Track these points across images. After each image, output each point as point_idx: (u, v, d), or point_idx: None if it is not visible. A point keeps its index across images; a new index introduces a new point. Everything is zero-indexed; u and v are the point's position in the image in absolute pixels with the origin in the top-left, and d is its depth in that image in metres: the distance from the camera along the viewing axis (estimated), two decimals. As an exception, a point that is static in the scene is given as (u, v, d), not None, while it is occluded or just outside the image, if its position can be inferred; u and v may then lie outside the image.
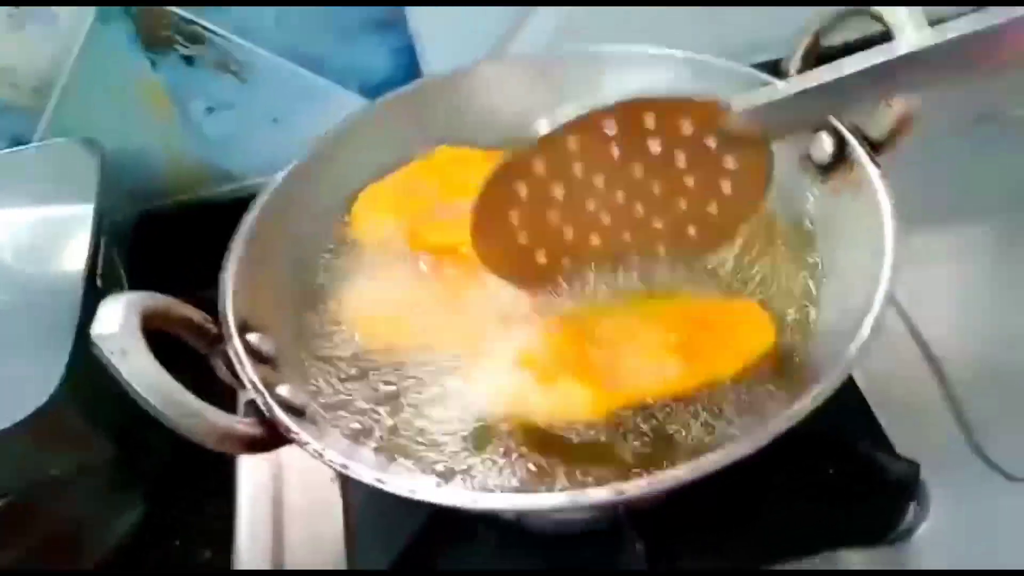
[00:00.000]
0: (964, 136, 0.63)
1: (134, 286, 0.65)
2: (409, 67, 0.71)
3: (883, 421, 0.51)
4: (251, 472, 0.59)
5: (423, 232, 0.53)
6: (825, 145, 0.49)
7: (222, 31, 0.67)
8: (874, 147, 0.47)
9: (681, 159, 0.44)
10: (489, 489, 0.39)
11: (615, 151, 0.44)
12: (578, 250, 0.47)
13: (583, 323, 0.46)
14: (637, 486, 0.36)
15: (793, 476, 0.49)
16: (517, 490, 0.39)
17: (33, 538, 0.56)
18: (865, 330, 0.40)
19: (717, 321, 0.47)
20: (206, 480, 0.60)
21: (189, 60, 0.69)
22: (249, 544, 0.57)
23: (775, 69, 0.52)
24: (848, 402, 0.51)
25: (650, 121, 0.43)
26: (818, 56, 0.50)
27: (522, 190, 0.45)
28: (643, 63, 0.56)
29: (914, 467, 0.48)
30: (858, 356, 0.39)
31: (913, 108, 0.45)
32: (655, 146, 0.44)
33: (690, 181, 0.45)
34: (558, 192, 0.45)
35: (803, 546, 0.48)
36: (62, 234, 0.65)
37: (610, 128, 0.43)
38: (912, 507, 0.48)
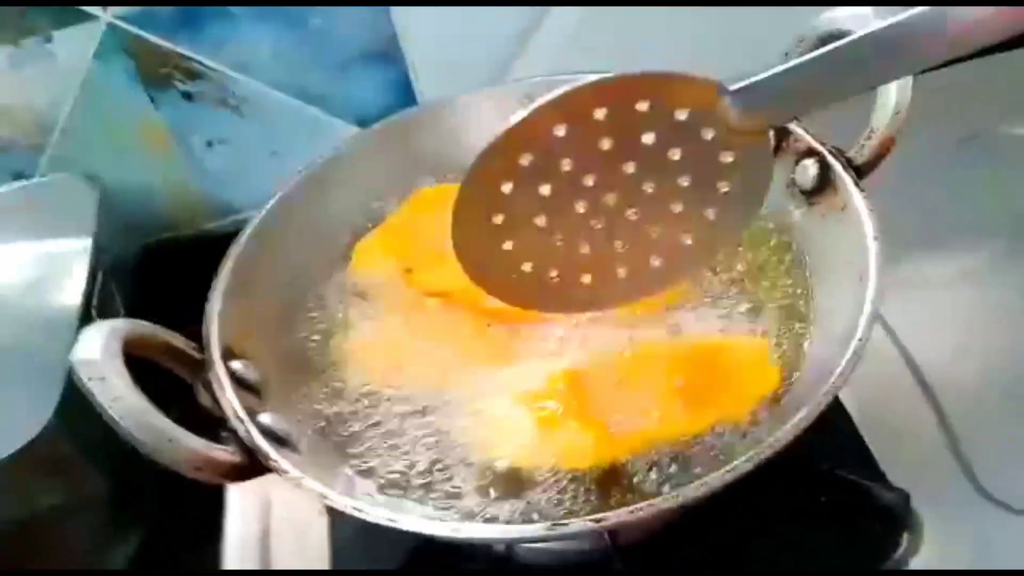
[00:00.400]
0: (951, 158, 0.62)
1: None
2: (406, 99, 0.72)
3: (875, 449, 0.50)
4: (240, 510, 0.58)
5: (420, 275, 0.53)
6: (809, 170, 0.49)
7: (220, 67, 0.69)
8: (857, 171, 0.47)
9: (676, 154, 0.40)
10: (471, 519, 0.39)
11: (605, 143, 0.39)
12: (567, 261, 0.43)
13: (585, 363, 0.46)
14: (617, 515, 0.36)
15: (783, 504, 0.48)
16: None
17: (27, 571, 0.56)
18: (846, 357, 0.39)
19: (722, 362, 0.46)
20: (201, 516, 0.60)
21: (188, 96, 0.70)
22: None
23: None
24: (839, 430, 0.50)
25: (643, 106, 0.39)
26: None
27: (506, 187, 0.40)
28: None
29: (905, 496, 0.47)
30: (837, 384, 0.38)
31: (894, 132, 0.45)
32: (648, 138, 0.40)
33: (685, 181, 0.41)
34: (544, 190, 0.41)
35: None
36: (61, 268, 0.66)
37: (599, 112, 0.39)
38: (905, 537, 0.47)
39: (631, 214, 0.42)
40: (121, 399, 0.37)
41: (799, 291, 0.49)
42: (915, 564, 0.47)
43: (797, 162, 0.50)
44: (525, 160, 0.40)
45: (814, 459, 0.48)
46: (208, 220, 0.76)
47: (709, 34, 0.68)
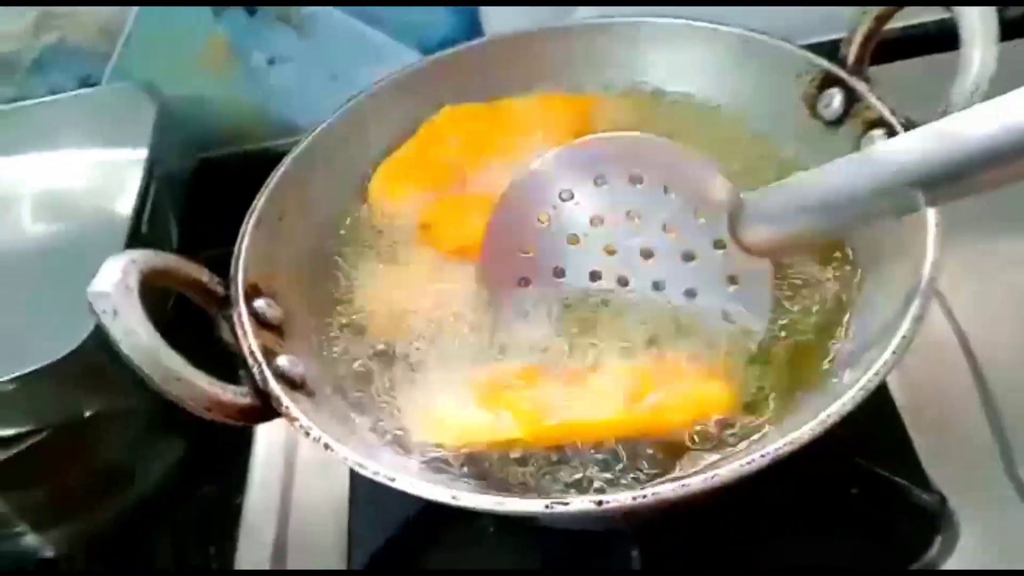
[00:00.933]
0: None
1: (185, 233, 0.67)
2: (470, 26, 0.69)
3: (917, 442, 0.47)
4: (267, 430, 0.59)
5: (438, 231, 0.52)
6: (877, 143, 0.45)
7: (285, -18, 0.67)
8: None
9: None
10: (472, 487, 0.38)
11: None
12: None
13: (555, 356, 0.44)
14: (618, 499, 0.34)
15: (813, 492, 0.46)
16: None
17: (71, 474, 0.59)
18: (891, 348, 0.37)
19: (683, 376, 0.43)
20: (237, 431, 0.61)
21: (252, 12, 0.69)
22: (260, 492, 0.58)
23: (833, 51, 0.48)
24: (881, 419, 0.48)
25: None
26: (877, 45, 0.46)
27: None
28: (690, 36, 0.53)
29: (941, 499, 0.44)
30: (878, 376, 0.36)
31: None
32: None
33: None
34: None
35: (818, 570, 0.46)
36: (117, 177, 0.67)
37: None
38: (938, 540, 0.44)
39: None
40: (132, 334, 0.37)
41: (847, 272, 0.45)
42: (948, 566, 0.45)
43: (864, 132, 0.46)
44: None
45: (851, 446, 0.45)
46: (264, 138, 0.75)
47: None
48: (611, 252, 0.46)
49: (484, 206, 0.48)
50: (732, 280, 0.44)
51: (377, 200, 0.53)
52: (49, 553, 0.59)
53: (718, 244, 0.43)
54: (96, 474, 0.60)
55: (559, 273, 0.47)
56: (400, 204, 0.52)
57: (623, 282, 0.46)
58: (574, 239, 0.46)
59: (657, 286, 0.45)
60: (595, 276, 0.46)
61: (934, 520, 0.45)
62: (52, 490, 0.58)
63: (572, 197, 0.46)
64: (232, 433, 0.60)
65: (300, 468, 0.56)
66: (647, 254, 0.45)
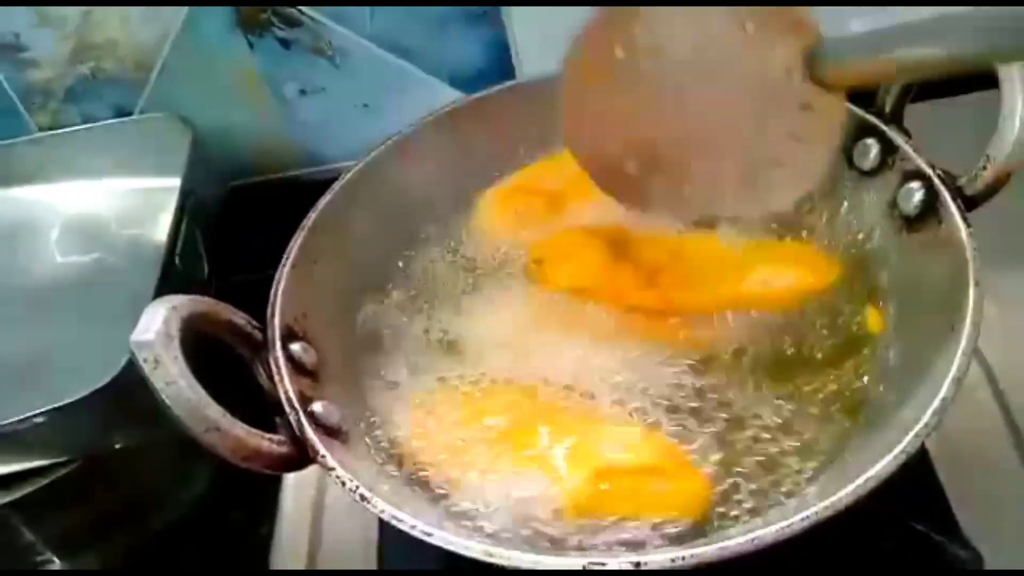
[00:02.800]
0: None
1: (218, 263, 0.67)
2: (502, 61, 0.70)
3: (952, 497, 0.47)
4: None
5: (551, 269, 0.52)
6: (914, 195, 0.45)
7: (318, 16, 0.68)
8: (966, 202, 0.43)
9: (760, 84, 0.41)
10: (504, 544, 0.38)
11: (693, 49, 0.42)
12: (671, 153, 0.45)
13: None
14: (657, 561, 0.34)
15: (847, 547, 0.45)
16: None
17: (106, 500, 0.59)
18: (930, 410, 0.37)
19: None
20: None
21: (285, 43, 0.69)
22: (291, 527, 0.58)
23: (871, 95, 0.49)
24: (916, 473, 0.47)
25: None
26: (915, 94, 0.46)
27: (618, 52, 0.43)
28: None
29: (977, 556, 0.44)
30: (918, 439, 0.36)
31: (1013, 165, 0.41)
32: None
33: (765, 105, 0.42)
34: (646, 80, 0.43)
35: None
36: (150, 205, 0.68)
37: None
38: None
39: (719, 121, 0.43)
40: (173, 384, 0.37)
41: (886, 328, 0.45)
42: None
43: (902, 184, 0.46)
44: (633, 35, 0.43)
45: (885, 504, 0.45)
46: (295, 168, 0.76)
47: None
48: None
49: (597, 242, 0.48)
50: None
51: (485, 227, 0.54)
52: (73, 577, 0.60)
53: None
54: (124, 503, 0.60)
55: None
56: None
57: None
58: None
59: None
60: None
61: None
62: (80, 519, 0.58)
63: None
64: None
65: (330, 502, 0.57)
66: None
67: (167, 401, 0.37)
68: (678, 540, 0.39)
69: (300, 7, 0.67)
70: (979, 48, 0.34)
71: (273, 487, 0.61)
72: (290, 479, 0.60)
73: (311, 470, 0.57)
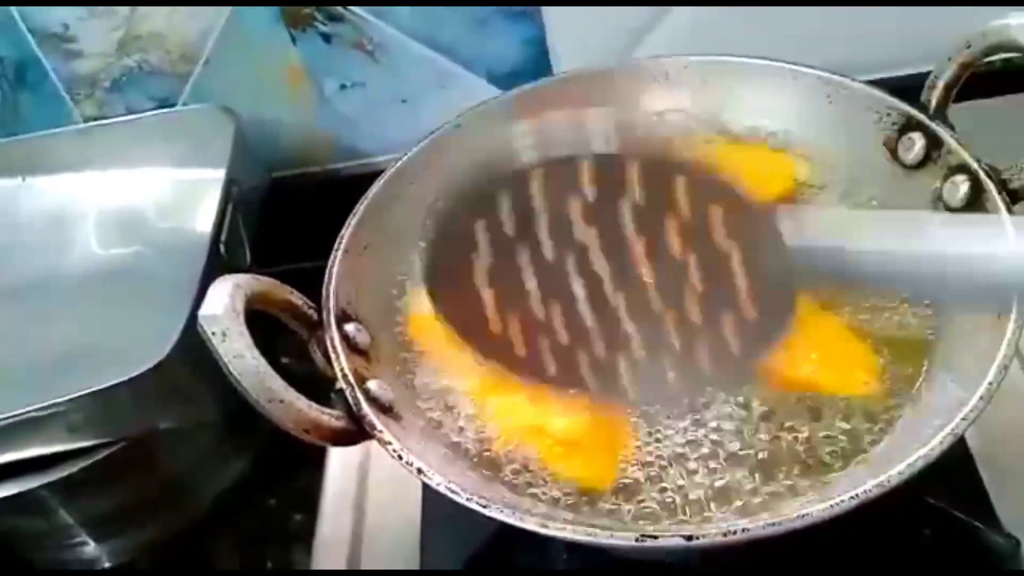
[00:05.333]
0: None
1: (257, 253, 0.68)
2: (539, 58, 0.71)
3: (989, 484, 0.47)
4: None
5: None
6: (959, 188, 0.46)
7: (359, 11, 0.69)
8: (1012, 195, 0.44)
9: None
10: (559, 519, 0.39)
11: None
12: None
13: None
14: (709, 534, 0.35)
15: (885, 532, 0.46)
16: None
17: (143, 483, 0.60)
18: (978, 394, 0.37)
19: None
20: (304, 448, 0.63)
21: (327, 38, 0.71)
22: (333, 511, 0.59)
23: (915, 89, 0.49)
24: (954, 459, 0.48)
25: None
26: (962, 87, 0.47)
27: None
28: (769, 77, 0.54)
29: (1015, 543, 0.45)
30: (966, 422, 0.37)
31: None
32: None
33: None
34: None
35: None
36: (195, 196, 0.69)
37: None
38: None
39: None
40: (240, 357, 0.38)
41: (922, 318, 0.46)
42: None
43: (947, 177, 0.47)
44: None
45: (924, 491, 0.46)
46: (335, 161, 0.77)
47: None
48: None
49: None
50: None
51: None
52: (108, 564, 0.61)
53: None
54: (162, 486, 0.61)
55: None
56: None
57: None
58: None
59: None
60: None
61: (1006, 562, 0.45)
62: (118, 502, 0.59)
63: None
64: (299, 449, 0.62)
65: (371, 488, 0.58)
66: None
67: (234, 373, 0.38)
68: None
69: (345, 5, 0.68)
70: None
71: (313, 471, 0.62)
72: (334, 466, 0.61)
73: (354, 457, 0.60)
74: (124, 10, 0.69)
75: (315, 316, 0.45)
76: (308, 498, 0.61)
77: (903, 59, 0.63)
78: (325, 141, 0.76)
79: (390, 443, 0.40)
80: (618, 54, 0.68)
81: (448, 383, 0.47)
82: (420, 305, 0.49)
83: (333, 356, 0.43)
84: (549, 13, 0.68)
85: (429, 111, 0.72)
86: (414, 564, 0.53)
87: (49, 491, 0.55)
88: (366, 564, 0.54)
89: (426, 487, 0.39)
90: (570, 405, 0.43)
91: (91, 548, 0.61)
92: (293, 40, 0.71)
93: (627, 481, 0.42)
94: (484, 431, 0.45)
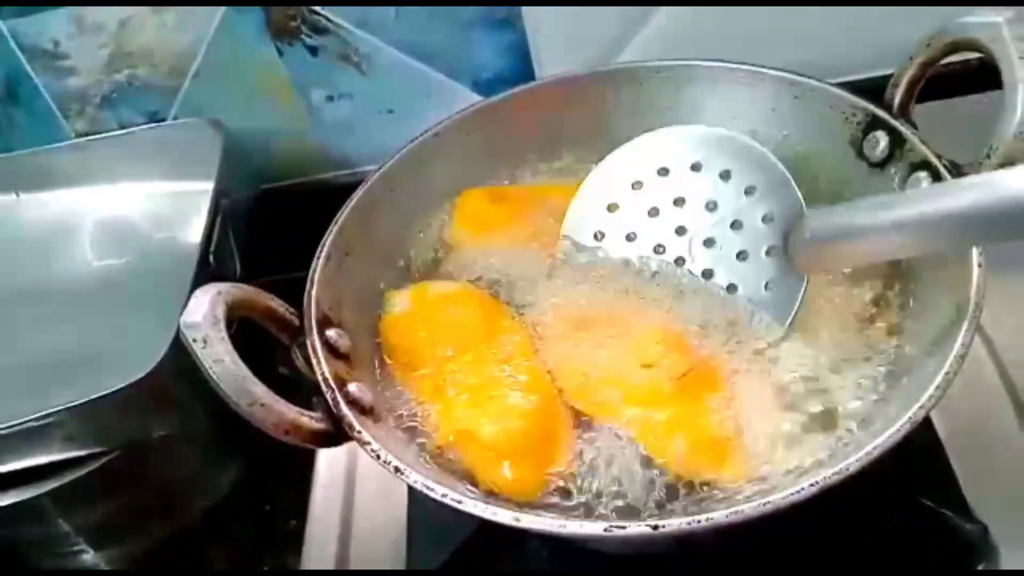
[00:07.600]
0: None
1: (249, 263, 0.69)
2: (522, 65, 0.72)
3: (959, 473, 0.48)
4: (329, 453, 0.61)
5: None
6: (921, 184, 0.47)
7: (345, 23, 0.70)
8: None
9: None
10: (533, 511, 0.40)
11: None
12: None
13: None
14: (673, 524, 0.36)
15: (855, 521, 0.47)
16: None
17: (136, 492, 0.60)
18: (934, 384, 0.39)
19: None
20: (296, 454, 0.64)
21: (313, 50, 0.72)
22: (322, 513, 0.60)
23: (882, 90, 0.50)
24: (924, 449, 0.49)
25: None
26: (923, 86, 0.48)
27: None
28: (737, 80, 0.55)
29: (983, 529, 0.46)
30: (923, 410, 0.38)
31: (1017, 154, 0.43)
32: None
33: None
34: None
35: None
36: (184, 207, 0.70)
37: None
38: (979, 569, 0.45)
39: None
40: (220, 362, 0.40)
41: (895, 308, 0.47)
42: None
43: (910, 174, 0.48)
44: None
45: (893, 479, 0.46)
46: (322, 171, 0.78)
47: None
48: (680, 233, 0.52)
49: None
50: (767, 285, 0.49)
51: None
52: (105, 569, 0.62)
53: (770, 251, 0.49)
54: (157, 494, 0.61)
55: (631, 237, 0.53)
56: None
57: (680, 262, 0.52)
58: (655, 211, 0.53)
59: (706, 274, 0.51)
60: (658, 249, 0.52)
61: (975, 550, 0.46)
62: (113, 510, 0.60)
63: (668, 174, 0.52)
64: (291, 455, 0.63)
65: (360, 492, 0.59)
66: (709, 243, 0.51)
67: (215, 378, 0.40)
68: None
69: (327, 16, 0.69)
70: (953, 243, 0.40)
71: (303, 477, 0.63)
72: (322, 470, 0.62)
73: (341, 462, 0.61)
74: (112, 26, 0.71)
75: (297, 322, 0.46)
76: (301, 503, 0.61)
77: (875, 61, 0.64)
78: (313, 152, 0.78)
79: (368, 443, 0.41)
80: (600, 59, 0.69)
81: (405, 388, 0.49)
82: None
83: (314, 360, 0.45)
84: (530, 20, 0.69)
85: (415, 120, 0.72)
86: (400, 563, 0.53)
87: (46, 500, 0.56)
88: (355, 564, 0.55)
89: (411, 488, 0.40)
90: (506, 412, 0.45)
91: (87, 556, 0.61)
92: (280, 53, 0.72)
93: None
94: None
